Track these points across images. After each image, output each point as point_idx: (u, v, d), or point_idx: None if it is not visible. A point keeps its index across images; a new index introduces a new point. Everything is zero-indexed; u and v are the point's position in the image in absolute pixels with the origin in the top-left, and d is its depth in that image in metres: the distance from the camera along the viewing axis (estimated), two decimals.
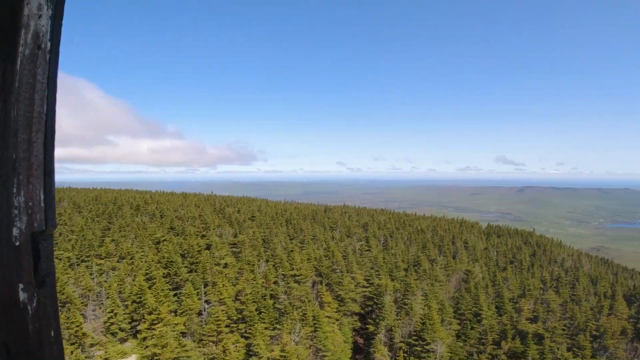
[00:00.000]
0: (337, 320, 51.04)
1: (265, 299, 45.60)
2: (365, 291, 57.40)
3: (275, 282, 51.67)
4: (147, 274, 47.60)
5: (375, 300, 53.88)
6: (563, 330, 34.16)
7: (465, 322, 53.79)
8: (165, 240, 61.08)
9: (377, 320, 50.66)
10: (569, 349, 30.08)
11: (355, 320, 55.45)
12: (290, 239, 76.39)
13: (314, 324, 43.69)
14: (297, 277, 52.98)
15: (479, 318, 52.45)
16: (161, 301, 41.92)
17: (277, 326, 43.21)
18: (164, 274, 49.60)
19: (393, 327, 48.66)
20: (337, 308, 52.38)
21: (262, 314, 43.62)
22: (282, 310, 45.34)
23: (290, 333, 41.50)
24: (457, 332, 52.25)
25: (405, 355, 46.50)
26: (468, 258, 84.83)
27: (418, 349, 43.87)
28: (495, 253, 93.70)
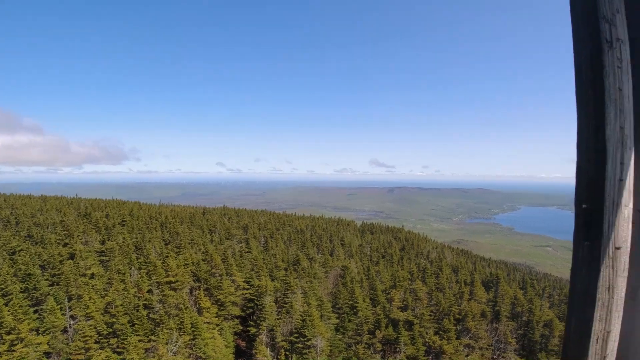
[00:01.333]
0: (217, 325, 49.72)
1: (138, 310, 42.39)
2: (246, 293, 56.92)
3: (149, 291, 48.39)
4: (1, 289, 41.03)
5: (256, 301, 53.76)
6: (430, 315, 37.87)
7: (343, 315, 56.61)
8: (21, 250, 53.47)
9: (259, 322, 50.64)
10: (436, 333, 33.47)
11: (237, 324, 54.70)
12: (166, 244, 72.26)
13: (193, 331, 42.00)
14: (173, 284, 50.32)
15: (355, 310, 55.54)
16: (20, 319, 36.53)
17: (153, 337, 40.47)
18: (21, 288, 43.39)
19: (274, 327, 49.09)
20: (217, 313, 51.04)
21: (136, 325, 40.51)
22: (157, 321, 42.63)
23: (167, 343, 39.28)
24: (336, 325, 54.75)
25: (287, 353, 47.34)
26: (344, 254, 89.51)
27: (300, 345, 44.95)
28: (369, 249, 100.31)
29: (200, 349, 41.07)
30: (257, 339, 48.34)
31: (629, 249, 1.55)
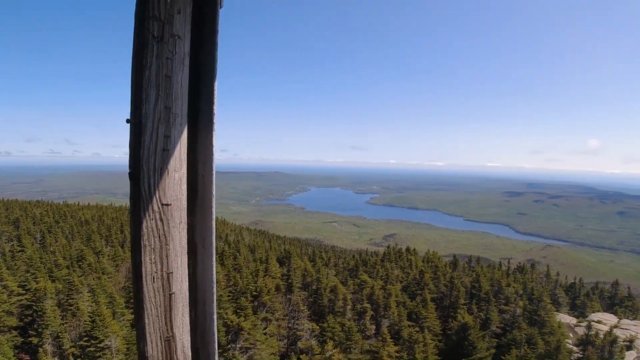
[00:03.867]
0: None
1: None
2: (22, 299, 47.82)
3: None
4: None
5: (34, 307, 45.79)
6: (228, 296, 38.81)
7: None
8: None
9: (40, 330, 43.39)
10: (234, 312, 34.49)
11: (15, 336, 45.56)
12: None
13: None
14: None
15: None
16: None
17: None
18: None
19: (60, 333, 42.90)
20: None
21: None
22: None
23: None
24: (131, 321, 50.99)
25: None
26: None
27: (92, 349, 40.30)
28: None
29: None
30: (41, 349, 41.31)
31: (184, 206, 1.93)
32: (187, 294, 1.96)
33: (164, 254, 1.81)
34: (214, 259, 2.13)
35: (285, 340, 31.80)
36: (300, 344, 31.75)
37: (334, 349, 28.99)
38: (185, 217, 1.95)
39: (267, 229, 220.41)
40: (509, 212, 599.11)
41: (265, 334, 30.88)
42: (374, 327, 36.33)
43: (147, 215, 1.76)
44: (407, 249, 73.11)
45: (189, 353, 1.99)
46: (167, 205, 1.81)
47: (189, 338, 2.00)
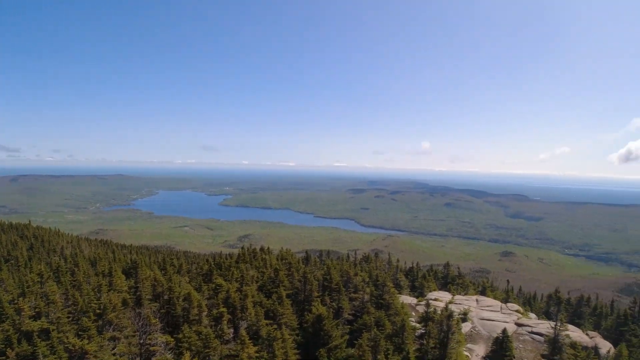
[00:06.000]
0: None
1: None
2: None
3: None
4: None
5: None
6: (68, 317, 33.90)
7: None
8: None
9: None
10: (76, 335, 30.25)
11: None
12: None
13: None
14: None
15: None
16: None
17: None
18: None
19: None
20: None
21: None
22: None
23: None
24: None
25: None
26: None
27: None
28: None
29: None
30: None
31: None
32: None
33: None
34: None
35: (138, 358, 29.55)
36: None
37: (192, 359, 28.09)
38: None
39: (111, 238, 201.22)
40: (354, 208, 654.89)
41: (114, 354, 28.29)
42: (232, 330, 36.07)
43: None
44: (262, 249, 74.20)
45: None
46: None
47: None
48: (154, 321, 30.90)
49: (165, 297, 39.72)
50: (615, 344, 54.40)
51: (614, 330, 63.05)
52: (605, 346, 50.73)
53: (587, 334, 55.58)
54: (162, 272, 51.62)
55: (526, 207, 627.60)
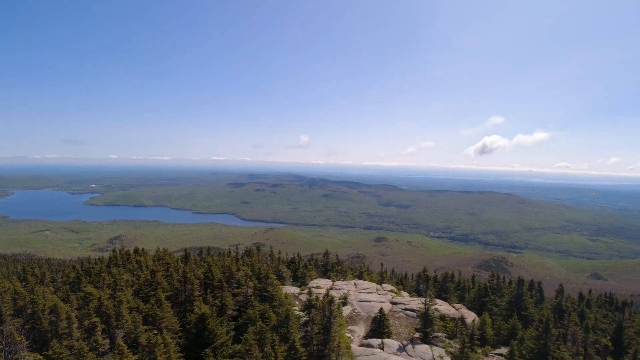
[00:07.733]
0: None
1: None
2: None
3: None
4: None
5: None
6: None
7: None
8: None
9: None
10: None
11: None
12: None
13: None
14: None
15: None
16: None
17: None
18: None
19: None
20: None
21: None
22: None
23: None
24: None
25: None
26: None
27: None
28: None
29: None
30: None
31: None
32: None
33: None
34: None
35: None
36: None
37: None
38: None
39: None
40: (234, 202, 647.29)
41: None
42: (107, 341, 32.98)
43: None
44: (136, 250, 69.09)
45: None
46: None
47: None
48: (18, 339, 27.36)
49: (29, 311, 35.13)
50: (478, 314, 62.28)
51: (477, 301, 71.06)
52: (470, 316, 57.49)
53: (453, 307, 62.54)
54: (23, 283, 46.71)
55: (396, 196, 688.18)
